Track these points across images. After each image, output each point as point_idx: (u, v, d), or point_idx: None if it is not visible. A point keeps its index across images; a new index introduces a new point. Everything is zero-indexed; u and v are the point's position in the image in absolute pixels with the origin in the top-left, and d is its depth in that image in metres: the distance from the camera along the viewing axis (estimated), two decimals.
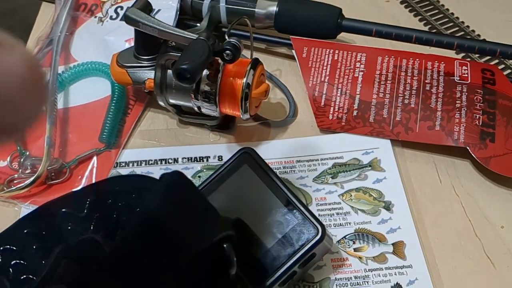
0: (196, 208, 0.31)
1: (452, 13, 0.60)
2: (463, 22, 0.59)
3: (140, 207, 0.35)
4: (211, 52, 0.39)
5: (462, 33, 0.58)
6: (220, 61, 0.42)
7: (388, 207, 0.43)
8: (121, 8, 0.55)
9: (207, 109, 0.45)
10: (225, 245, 0.29)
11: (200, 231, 0.30)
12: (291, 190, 0.38)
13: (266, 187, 0.38)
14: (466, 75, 0.48)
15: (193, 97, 0.44)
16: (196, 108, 0.45)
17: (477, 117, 0.45)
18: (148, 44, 0.44)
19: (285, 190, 0.38)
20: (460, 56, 0.54)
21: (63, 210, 0.36)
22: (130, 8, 0.42)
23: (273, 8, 0.52)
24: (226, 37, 0.41)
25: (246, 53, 0.52)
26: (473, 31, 0.58)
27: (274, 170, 0.45)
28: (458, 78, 0.48)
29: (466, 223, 0.43)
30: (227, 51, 0.40)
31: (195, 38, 0.40)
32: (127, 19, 0.42)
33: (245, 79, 0.43)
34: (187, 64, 0.37)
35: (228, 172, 0.40)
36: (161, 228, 0.31)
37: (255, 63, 0.44)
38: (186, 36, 0.40)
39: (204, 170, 0.46)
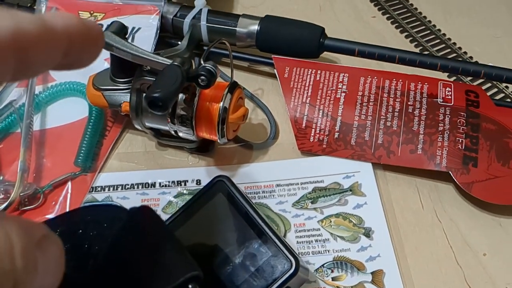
0: (162, 246, 0.30)
1: (439, 30, 0.59)
2: (449, 39, 0.58)
3: (111, 237, 0.35)
4: (184, 79, 0.38)
5: (449, 50, 0.57)
6: None
7: (368, 233, 0.42)
8: (101, 26, 0.54)
9: (184, 133, 0.44)
10: (190, 286, 0.28)
11: (164, 272, 0.29)
12: (266, 220, 0.37)
13: (240, 218, 0.37)
14: (450, 97, 0.47)
15: (169, 121, 0.43)
16: (173, 132, 0.44)
17: (460, 141, 0.45)
18: (123, 67, 0.44)
19: (259, 221, 0.37)
20: (445, 74, 0.53)
21: None
22: (104, 31, 0.41)
23: (255, 27, 0.51)
24: (202, 62, 0.41)
25: (228, 71, 0.52)
26: (460, 48, 0.57)
27: (254, 195, 0.44)
28: (441, 100, 0.47)
29: (448, 250, 0.42)
30: (202, 77, 0.39)
31: (169, 63, 0.39)
32: None
33: (221, 103, 0.42)
34: (159, 92, 0.36)
35: (202, 201, 0.39)
36: (125, 268, 0.30)
37: (233, 87, 0.43)
38: (159, 61, 0.40)
39: (183, 195, 0.45)
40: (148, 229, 0.32)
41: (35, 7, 0.57)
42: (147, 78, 0.42)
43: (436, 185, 0.46)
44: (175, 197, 0.45)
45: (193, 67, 0.43)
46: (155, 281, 0.29)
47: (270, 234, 0.36)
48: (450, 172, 0.43)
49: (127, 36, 0.44)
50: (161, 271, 0.29)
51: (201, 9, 0.53)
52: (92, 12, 0.55)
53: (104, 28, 0.53)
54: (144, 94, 0.43)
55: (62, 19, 0.20)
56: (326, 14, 0.62)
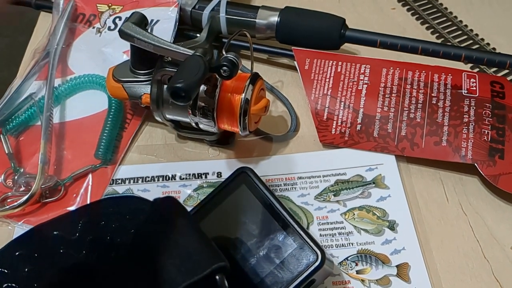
0: (188, 238, 0.30)
1: (461, 21, 0.58)
2: (472, 30, 0.57)
3: (134, 229, 0.34)
4: (207, 69, 0.37)
5: (471, 41, 0.56)
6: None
7: (392, 226, 0.42)
8: (120, 18, 0.54)
9: (205, 125, 0.43)
10: (217, 277, 0.28)
11: (191, 262, 0.28)
12: (290, 212, 0.36)
13: (264, 209, 0.37)
14: (475, 88, 0.46)
15: (190, 112, 0.43)
16: (193, 124, 0.44)
17: (486, 133, 0.44)
18: (144, 58, 0.43)
19: (283, 213, 0.36)
20: (468, 66, 0.52)
21: (55, 232, 0.35)
22: (125, 22, 0.41)
23: (275, 19, 0.51)
24: (224, 52, 0.40)
25: (247, 63, 0.51)
26: (483, 39, 0.56)
27: (275, 187, 0.44)
28: (466, 91, 0.46)
29: (474, 243, 0.41)
30: (224, 67, 0.39)
31: (190, 54, 0.39)
32: (121, 34, 0.41)
33: (243, 94, 0.41)
34: (182, 83, 0.35)
35: (226, 192, 0.38)
36: (150, 259, 0.30)
37: (255, 78, 0.43)
38: (181, 52, 0.39)
39: (203, 188, 0.44)
40: (173, 220, 0.31)
41: (52, 1, 0.57)
42: (168, 69, 0.42)
43: (461, 178, 0.45)
44: (195, 190, 0.44)
45: (214, 58, 0.43)
46: (182, 272, 0.28)
47: (295, 226, 0.35)
48: (476, 164, 0.43)
49: (148, 24, 0.44)
50: (187, 262, 0.29)
51: (219, 1, 0.52)
52: (110, 5, 0.55)
53: (123, 20, 0.53)
54: (165, 86, 0.43)
55: None
56: (345, 5, 0.61)
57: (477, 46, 0.56)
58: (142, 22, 0.42)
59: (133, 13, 0.42)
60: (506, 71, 0.52)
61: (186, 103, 0.37)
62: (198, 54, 0.38)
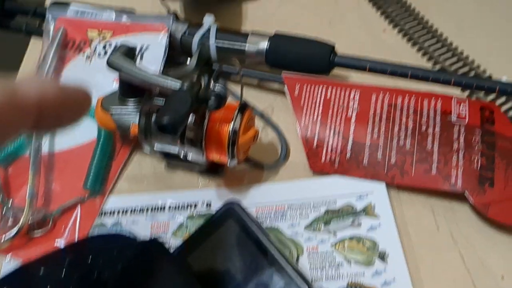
0: (173, 283, 0.30)
1: (451, 43, 0.58)
2: (462, 52, 0.57)
3: (121, 266, 0.34)
4: (194, 103, 0.37)
5: (462, 63, 0.56)
6: None
7: (383, 257, 0.41)
8: (110, 45, 0.54)
9: (194, 155, 0.43)
10: None
11: None
12: (278, 247, 0.36)
13: (252, 245, 0.37)
14: (464, 114, 0.46)
15: (178, 143, 0.42)
16: (182, 155, 0.44)
17: (476, 160, 0.44)
18: (132, 88, 0.43)
19: (271, 249, 0.36)
20: (459, 88, 0.52)
21: (43, 271, 0.35)
22: (112, 53, 0.41)
23: (264, 45, 0.51)
24: (211, 83, 0.40)
25: (238, 88, 0.51)
26: (473, 61, 0.56)
27: (265, 217, 0.44)
28: (455, 118, 0.46)
29: (465, 273, 0.41)
30: (212, 99, 0.38)
31: (178, 86, 0.38)
32: (109, 65, 0.41)
33: (232, 125, 0.41)
34: (169, 117, 0.35)
35: (213, 227, 0.38)
36: None
37: (243, 108, 0.42)
38: (168, 85, 0.39)
39: (192, 219, 0.44)
40: (158, 264, 0.31)
41: (43, 28, 0.57)
42: (156, 100, 0.41)
43: (452, 206, 0.45)
44: (185, 220, 0.44)
45: (203, 84, 0.43)
46: None
47: (283, 262, 0.35)
48: (466, 192, 0.42)
49: (135, 55, 0.43)
50: None
51: (209, 28, 0.52)
52: (100, 30, 0.55)
53: (113, 47, 0.53)
54: (153, 117, 0.43)
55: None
56: (336, 27, 0.61)
57: (468, 68, 0.55)
58: (129, 53, 0.42)
59: (120, 45, 0.42)
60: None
61: (173, 137, 0.37)
62: (185, 86, 0.38)
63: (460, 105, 0.47)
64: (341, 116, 0.48)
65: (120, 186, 0.47)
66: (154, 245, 0.32)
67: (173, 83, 0.39)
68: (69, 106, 0.22)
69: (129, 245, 0.35)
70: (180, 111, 0.36)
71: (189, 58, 0.51)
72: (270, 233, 0.40)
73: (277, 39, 0.51)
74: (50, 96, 0.21)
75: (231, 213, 0.38)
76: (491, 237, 0.43)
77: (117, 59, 0.41)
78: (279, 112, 0.52)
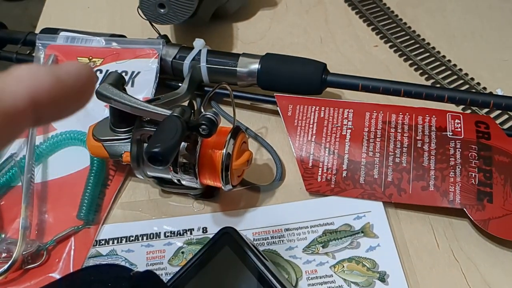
0: None
1: (444, 56, 0.58)
2: (455, 65, 0.57)
3: None
4: (184, 130, 0.37)
5: (455, 76, 0.56)
6: None
7: (383, 278, 0.41)
8: (100, 71, 0.54)
9: (187, 181, 0.43)
10: None
11: None
12: (275, 274, 0.35)
13: (248, 272, 0.36)
14: (459, 129, 0.46)
15: (171, 170, 0.42)
16: (176, 181, 0.43)
17: (473, 176, 0.43)
18: (123, 117, 0.43)
19: (268, 275, 0.35)
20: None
21: None
22: (100, 84, 0.40)
23: (255, 66, 0.50)
24: (202, 110, 0.40)
25: (231, 110, 0.51)
26: (467, 74, 0.56)
27: (262, 241, 0.43)
28: (451, 133, 0.46)
29: None
30: (203, 126, 0.38)
31: (168, 114, 0.38)
32: (98, 95, 0.40)
33: (225, 149, 0.41)
34: (159, 147, 0.35)
35: (209, 255, 0.37)
36: None
37: (236, 132, 0.42)
38: (158, 112, 0.39)
39: (188, 245, 0.43)
40: None
41: (33, 55, 0.57)
42: (147, 128, 0.41)
43: (451, 222, 0.44)
44: (180, 248, 0.43)
45: (195, 107, 0.42)
46: None
47: None
48: (464, 209, 0.42)
49: (126, 81, 0.43)
50: None
51: (200, 50, 0.52)
52: (90, 57, 0.55)
53: (102, 76, 0.52)
54: (145, 144, 0.42)
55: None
56: (328, 45, 0.61)
57: (461, 81, 0.55)
58: (119, 82, 0.41)
59: (109, 73, 0.42)
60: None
61: (164, 167, 0.37)
62: (175, 114, 0.38)
63: (454, 120, 0.46)
64: (336, 135, 0.47)
65: (115, 213, 0.46)
66: (149, 277, 0.31)
67: (164, 110, 0.39)
68: (69, 93, 0.20)
69: (124, 277, 0.34)
70: (170, 140, 0.36)
71: (180, 84, 0.51)
72: (268, 257, 0.39)
73: (268, 60, 0.50)
74: (45, 87, 0.19)
75: (226, 239, 0.37)
76: (492, 253, 0.42)
77: (106, 90, 0.41)
78: (274, 133, 0.52)
